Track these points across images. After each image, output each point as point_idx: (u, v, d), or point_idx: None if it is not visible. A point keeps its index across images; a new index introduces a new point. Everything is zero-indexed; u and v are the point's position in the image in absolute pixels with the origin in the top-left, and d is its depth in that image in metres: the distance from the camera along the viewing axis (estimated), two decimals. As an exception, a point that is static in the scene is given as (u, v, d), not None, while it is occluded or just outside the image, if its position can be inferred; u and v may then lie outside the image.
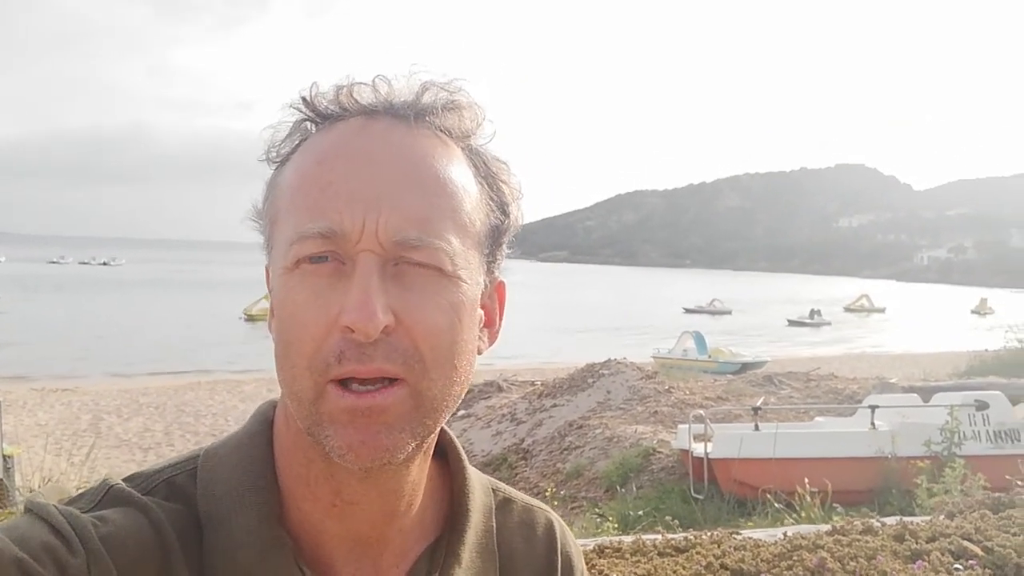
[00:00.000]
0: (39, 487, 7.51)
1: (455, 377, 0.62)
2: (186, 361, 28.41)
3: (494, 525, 0.76)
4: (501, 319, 0.72)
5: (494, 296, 0.70)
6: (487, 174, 0.67)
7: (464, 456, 0.77)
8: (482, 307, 0.67)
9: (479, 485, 0.77)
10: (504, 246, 0.69)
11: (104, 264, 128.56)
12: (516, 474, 11.65)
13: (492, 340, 0.70)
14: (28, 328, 37.75)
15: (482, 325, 0.68)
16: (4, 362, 26.07)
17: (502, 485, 0.82)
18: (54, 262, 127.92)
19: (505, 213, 0.68)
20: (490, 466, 12.15)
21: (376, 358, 0.58)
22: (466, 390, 0.66)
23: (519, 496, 0.82)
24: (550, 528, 0.81)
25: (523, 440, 12.74)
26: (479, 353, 0.67)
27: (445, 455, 0.76)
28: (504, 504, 0.79)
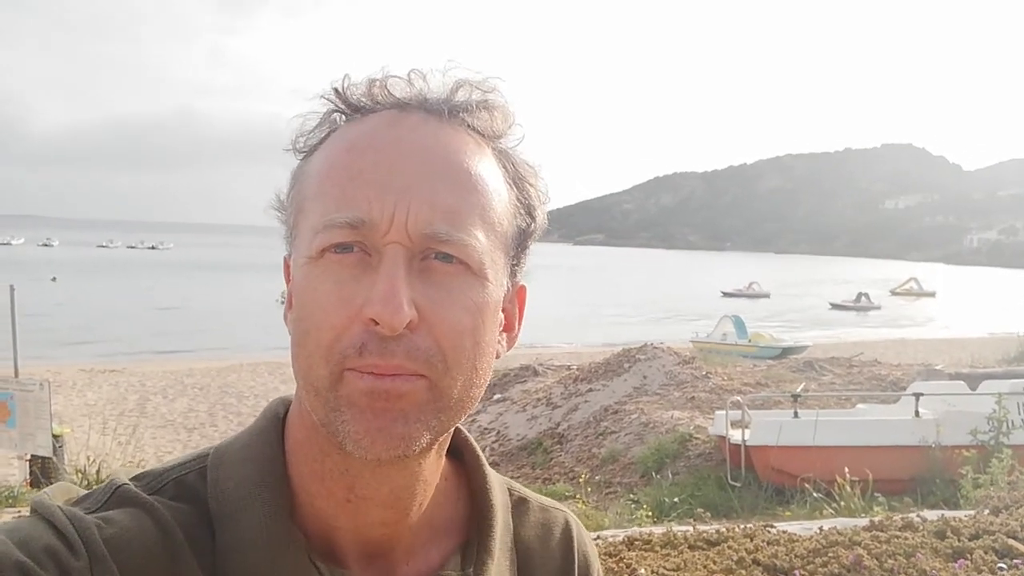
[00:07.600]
0: (87, 465, 7.74)
1: (475, 379, 0.62)
2: (230, 343, 29.06)
3: (511, 524, 0.76)
4: (520, 324, 0.71)
5: (515, 300, 0.70)
6: (516, 176, 0.67)
7: (481, 454, 0.76)
8: (503, 310, 0.66)
9: (497, 483, 0.77)
10: (528, 250, 0.69)
11: (152, 248, 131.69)
12: (551, 459, 11.66)
13: (510, 345, 0.70)
14: (77, 311, 38.94)
15: (501, 329, 0.67)
16: (54, 343, 26.95)
17: (516, 484, 0.81)
18: (103, 246, 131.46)
19: (532, 217, 0.68)
20: (525, 450, 12.19)
21: (397, 354, 0.57)
22: (483, 393, 0.65)
23: (534, 496, 0.82)
24: (567, 528, 0.80)
25: (558, 424, 12.75)
26: (497, 357, 0.66)
27: (461, 455, 0.75)
28: (520, 504, 0.79)
